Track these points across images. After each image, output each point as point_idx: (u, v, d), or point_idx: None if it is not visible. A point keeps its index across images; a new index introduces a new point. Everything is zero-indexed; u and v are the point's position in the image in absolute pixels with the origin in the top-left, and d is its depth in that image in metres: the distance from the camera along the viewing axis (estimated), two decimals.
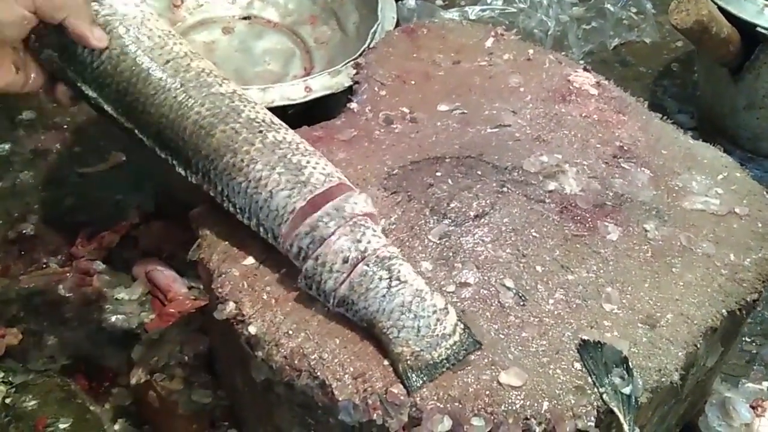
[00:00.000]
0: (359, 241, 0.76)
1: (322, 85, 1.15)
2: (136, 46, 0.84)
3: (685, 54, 1.75)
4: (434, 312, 0.74)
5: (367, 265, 0.75)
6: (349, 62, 1.15)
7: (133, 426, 1.05)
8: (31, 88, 0.88)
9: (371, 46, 1.15)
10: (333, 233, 0.76)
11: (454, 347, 0.74)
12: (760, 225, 0.89)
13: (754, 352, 1.19)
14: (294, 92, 1.13)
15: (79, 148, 1.48)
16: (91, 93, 0.85)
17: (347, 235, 0.76)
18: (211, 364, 1.00)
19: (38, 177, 1.41)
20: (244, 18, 1.48)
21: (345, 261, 0.75)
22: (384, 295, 0.74)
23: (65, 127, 1.50)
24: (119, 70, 0.84)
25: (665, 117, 1.02)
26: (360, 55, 1.14)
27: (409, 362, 0.73)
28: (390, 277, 0.75)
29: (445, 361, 0.73)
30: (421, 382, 0.72)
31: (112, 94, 0.85)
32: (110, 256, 1.28)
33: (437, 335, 0.74)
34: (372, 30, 1.23)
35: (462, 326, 0.75)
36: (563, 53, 1.19)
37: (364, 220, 0.78)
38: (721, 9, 1.31)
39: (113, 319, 1.19)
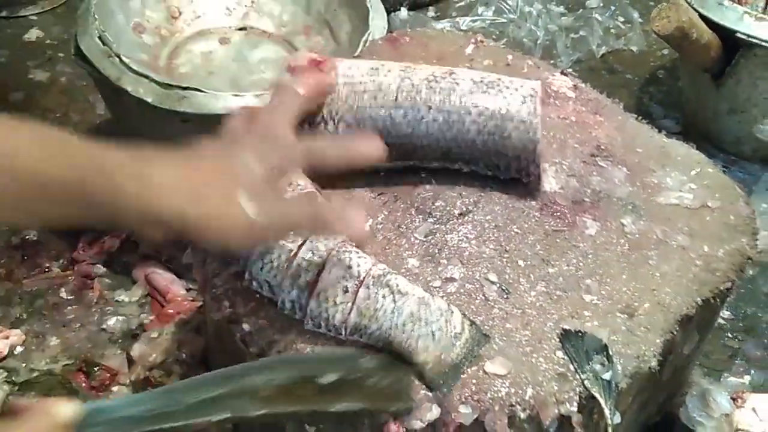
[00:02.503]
0: (350, 267, 0.76)
1: None
2: None
3: (670, 62, 1.77)
4: (441, 314, 0.76)
5: (368, 288, 0.75)
6: None
7: None
8: None
9: (356, 55, 1.17)
10: (322, 269, 0.76)
11: (467, 344, 0.75)
12: (731, 217, 0.91)
13: (737, 347, 1.21)
14: None
15: None
16: None
17: (337, 265, 0.76)
18: (207, 362, 1.02)
19: None
20: (241, 29, 1.50)
21: (345, 291, 0.75)
22: (393, 311, 0.75)
23: None
24: None
25: (650, 122, 1.04)
26: None
27: (434, 368, 0.74)
28: (392, 293, 0.75)
29: (464, 359, 0.75)
30: (450, 384, 0.73)
31: None
32: (111, 260, 1.29)
33: (450, 335, 0.75)
34: (363, 39, 1.26)
35: (468, 322, 0.77)
36: (552, 61, 1.20)
37: (342, 245, 0.78)
38: (701, 16, 1.34)
39: (113, 320, 1.20)
